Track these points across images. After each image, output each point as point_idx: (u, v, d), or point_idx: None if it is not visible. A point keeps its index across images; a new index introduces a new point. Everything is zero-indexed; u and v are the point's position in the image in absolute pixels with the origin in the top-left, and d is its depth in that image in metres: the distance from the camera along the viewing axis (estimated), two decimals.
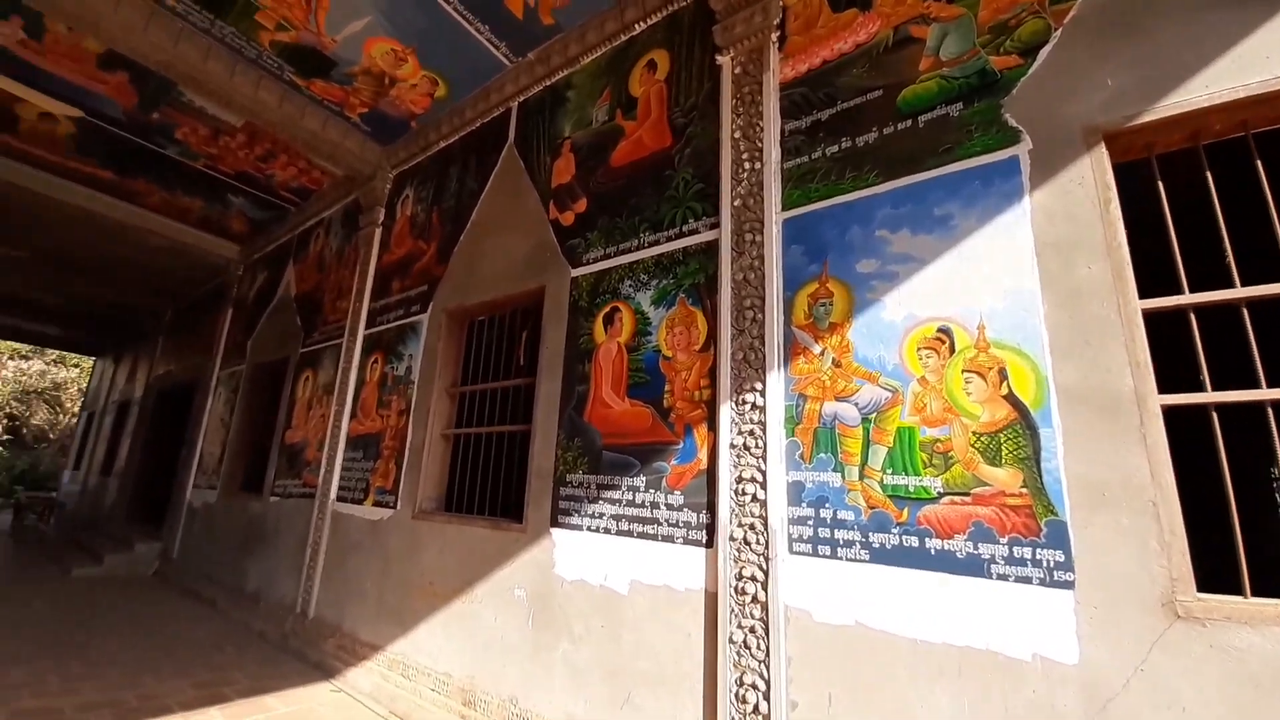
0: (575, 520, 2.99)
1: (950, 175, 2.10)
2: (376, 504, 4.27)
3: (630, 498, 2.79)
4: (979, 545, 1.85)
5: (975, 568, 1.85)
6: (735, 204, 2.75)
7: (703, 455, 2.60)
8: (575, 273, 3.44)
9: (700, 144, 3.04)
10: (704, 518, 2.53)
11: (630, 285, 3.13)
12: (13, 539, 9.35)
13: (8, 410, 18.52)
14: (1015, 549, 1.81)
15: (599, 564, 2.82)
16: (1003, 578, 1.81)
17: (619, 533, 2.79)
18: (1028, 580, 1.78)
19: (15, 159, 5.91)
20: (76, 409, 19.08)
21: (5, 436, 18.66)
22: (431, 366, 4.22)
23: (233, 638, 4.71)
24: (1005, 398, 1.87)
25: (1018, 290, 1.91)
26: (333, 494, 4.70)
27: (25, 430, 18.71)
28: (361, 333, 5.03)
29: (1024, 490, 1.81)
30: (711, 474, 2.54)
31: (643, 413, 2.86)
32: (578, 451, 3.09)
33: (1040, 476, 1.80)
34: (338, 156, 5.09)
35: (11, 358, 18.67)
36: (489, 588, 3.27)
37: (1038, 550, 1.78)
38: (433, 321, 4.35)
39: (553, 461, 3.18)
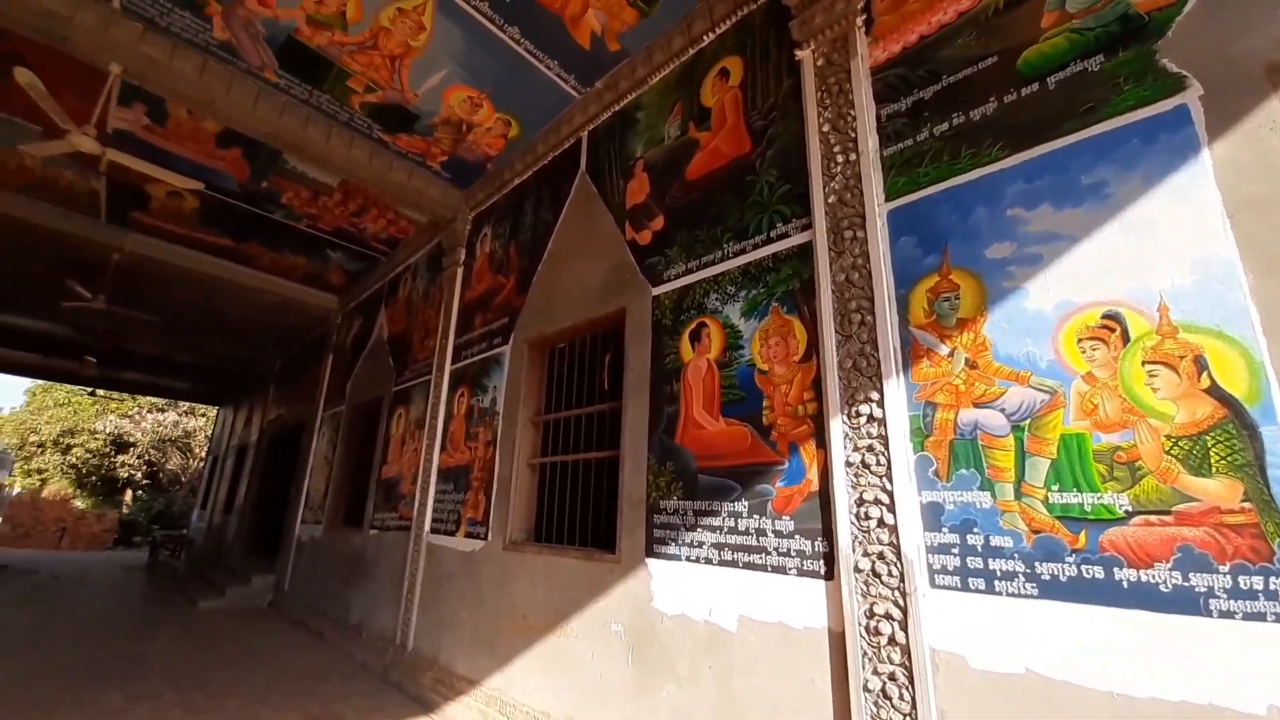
0: (672, 550, 2.80)
1: (1098, 137, 1.81)
2: (468, 535, 4.28)
3: (732, 524, 2.58)
4: (1190, 575, 1.50)
5: (1187, 603, 1.49)
6: (829, 200, 2.56)
7: (812, 475, 2.36)
8: (656, 291, 3.35)
9: (783, 144, 2.89)
10: (820, 545, 2.27)
11: (717, 298, 2.98)
12: (148, 574, 10.35)
13: (147, 458, 20.95)
14: (1241, 579, 1.44)
15: (701, 597, 2.61)
16: (1227, 615, 1.45)
17: (722, 563, 2.57)
18: (1261, 617, 1.41)
19: (149, 234, 6.73)
20: (204, 454, 21.28)
21: (145, 481, 21.06)
22: (515, 397, 4.24)
23: (338, 668, 4.84)
24: (1207, 391, 1.53)
25: (1208, 260, 1.58)
26: (427, 526, 4.79)
27: (161, 475, 21.03)
28: (448, 368, 5.18)
29: (1246, 505, 1.46)
30: (825, 496, 2.30)
31: (740, 432, 2.66)
32: (670, 476, 2.92)
33: (1268, 487, 1.44)
34: (422, 204, 5.38)
35: (150, 411, 21.20)
36: (585, 622, 3.13)
37: (1271, 579, 1.41)
38: (514, 352, 4.40)
39: (644, 488, 3.04)
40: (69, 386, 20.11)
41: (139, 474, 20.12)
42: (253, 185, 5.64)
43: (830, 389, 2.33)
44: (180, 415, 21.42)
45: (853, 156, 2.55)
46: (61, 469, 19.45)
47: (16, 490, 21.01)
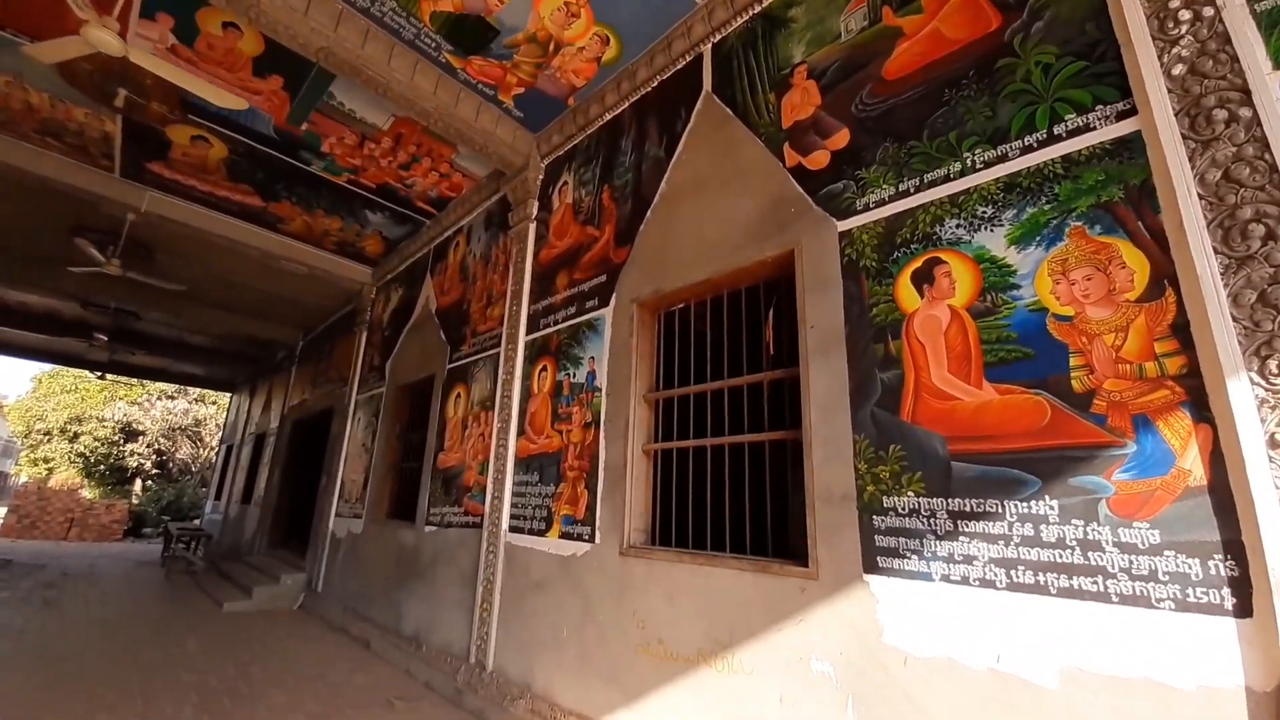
0: (913, 565, 2.05)
1: None
2: (565, 536, 3.54)
3: (1028, 532, 1.83)
4: None
5: None
6: (1174, 73, 1.78)
7: (1189, 463, 1.60)
8: (845, 225, 2.58)
9: (1065, 9, 2.10)
10: (1221, 566, 1.51)
11: (958, 225, 2.21)
12: (163, 569, 9.68)
13: (157, 446, 20.31)
14: None
15: (979, 635, 1.86)
16: None
17: (1014, 587, 1.82)
18: None
19: (168, 190, 5.97)
20: (215, 443, 20.63)
21: (154, 470, 20.44)
22: (623, 369, 3.49)
23: (398, 689, 4.12)
24: None
25: None
26: (504, 524, 4.05)
27: (171, 464, 20.40)
28: (522, 339, 4.42)
29: None
30: (1223, 493, 1.54)
31: (1030, 403, 1.90)
32: (898, 464, 2.17)
33: None
34: (489, 147, 4.60)
35: (159, 398, 20.54)
36: (764, 654, 2.39)
37: None
38: (618, 315, 3.64)
39: (851, 480, 2.28)
40: (77, 373, 19.47)
41: (149, 463, 19.49)
42: (291, 128, 4.87)
43: (1220, 335, 1.57)
44: (191, 403, 20.76)
45: (1208, 11, 1.77)
46: (69, 457, 18.83)
47: (22, 479, 20.44)
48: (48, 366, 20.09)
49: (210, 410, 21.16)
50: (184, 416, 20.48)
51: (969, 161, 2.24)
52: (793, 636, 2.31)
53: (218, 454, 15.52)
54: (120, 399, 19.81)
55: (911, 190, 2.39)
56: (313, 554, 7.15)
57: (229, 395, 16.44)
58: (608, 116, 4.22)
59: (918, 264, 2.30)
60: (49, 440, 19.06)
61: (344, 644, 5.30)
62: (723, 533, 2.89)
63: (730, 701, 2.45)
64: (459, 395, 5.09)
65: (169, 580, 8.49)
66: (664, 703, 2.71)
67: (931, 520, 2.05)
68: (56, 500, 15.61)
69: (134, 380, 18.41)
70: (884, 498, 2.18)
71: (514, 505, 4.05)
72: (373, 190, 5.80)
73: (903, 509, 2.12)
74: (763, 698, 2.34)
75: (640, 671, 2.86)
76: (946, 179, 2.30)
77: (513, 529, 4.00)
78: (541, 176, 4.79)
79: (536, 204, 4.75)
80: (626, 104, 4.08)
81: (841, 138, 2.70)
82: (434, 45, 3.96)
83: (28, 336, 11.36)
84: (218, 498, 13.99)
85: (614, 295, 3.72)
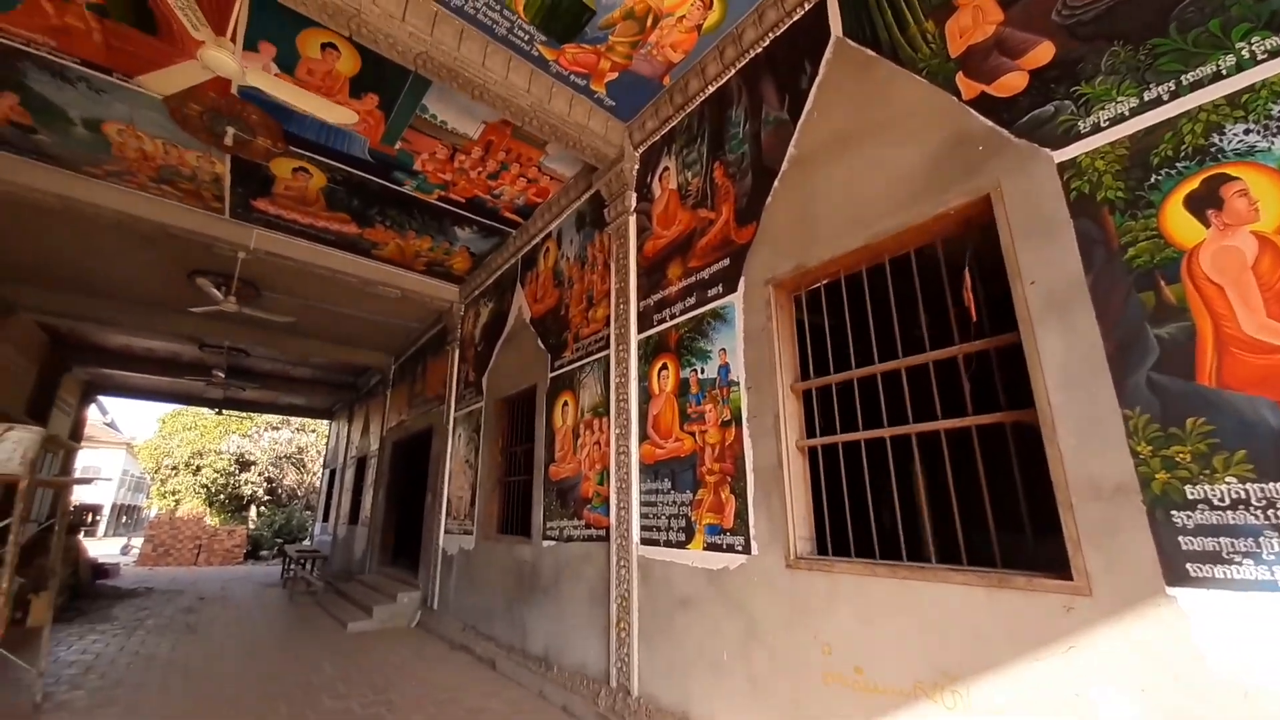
0: (1249, 572, 1.55)
1: None
2: (712, 548, 3.20)
3: None
4: None
5: None
6: None
7: None
8: (1064, 154, 2.10)
9: None
10: None
11: (1247, 131, 1.71)
12: (285, 589, 10.19)
13: (266, 474, 21.88)
14: None
15: None
16: None
17: None
18: None
19: (272, 226, 6.19)
20: (317, 469, 21.99)
21: (266, 497, 22.00)
22: (764, 358, 3.12)
23: (535, 714, 3.92)
24: None
25: None
26: (635, 536, 3.77)
27: (280, 490, 21.89)
28: (634, 338, 4.15)
29: None
30: None
31: None
32: (1205, 442, 1.67)
33: None
34: (583, 142, 4.38)
35: (266, 430, 22.15)
36: (1018, 689, 1.93)
37: None
38: (751, 300, 3.28)
39: (1129, 467, 1.79)
40: (195, 411, 21.34)
41: (261, 490, 21.01)
42: (385, 148, 4.87)
43: None
44: (294, 432, 22.25)
45: None
46: (193, 489, 20.60)
47: (154, 511, 22.56)
48: (170, 407, 22.13)
49: (310, 438, 22.60)
50: (288, 445, 21.96)
51: (1245, 53, 1.73)
52: (1060, 667, 1.85)
53: (321, 478, 16.41)
54: (233, 432, 21.51)
55: (1165, 97, 1.89)
56: (425, 571, 7.20)
57: (328, 423, 17.39)
58: (710, 89, 3.89)
59: (1192, 185, 1.79)
60: (175, 474, 20.95)
61: (469, 665, 5.19)
62: (919, 539, 2.45)
63: None
64: (566, 403, 4.89)
65: (293, 601, 8.88)
66: None
67: (1273, 512, 1.54)
68: (185, 529, 17.03)
69: (245, 414, 19.92)
70: (1186, 487, 1.68)
71: (644, 516, 3.76)
72: (462, 205, 5.77)
73: (1220, 500, 1.62)
74: None
75: (832, 704, 2.46)
76: (1217, 77, 1.79)
77: (645, 541, 3.70)
78: (637, 166, 4.53)
79: (635, 195, 4.48)
80: (732, 71, 3.74)
81: (1042, 53, 2.23)
82: (527, 38, 3.78)
83: (155, 380, 12.44)
84: (325, 519, 14.76)
85: (742, 279, 3.36)
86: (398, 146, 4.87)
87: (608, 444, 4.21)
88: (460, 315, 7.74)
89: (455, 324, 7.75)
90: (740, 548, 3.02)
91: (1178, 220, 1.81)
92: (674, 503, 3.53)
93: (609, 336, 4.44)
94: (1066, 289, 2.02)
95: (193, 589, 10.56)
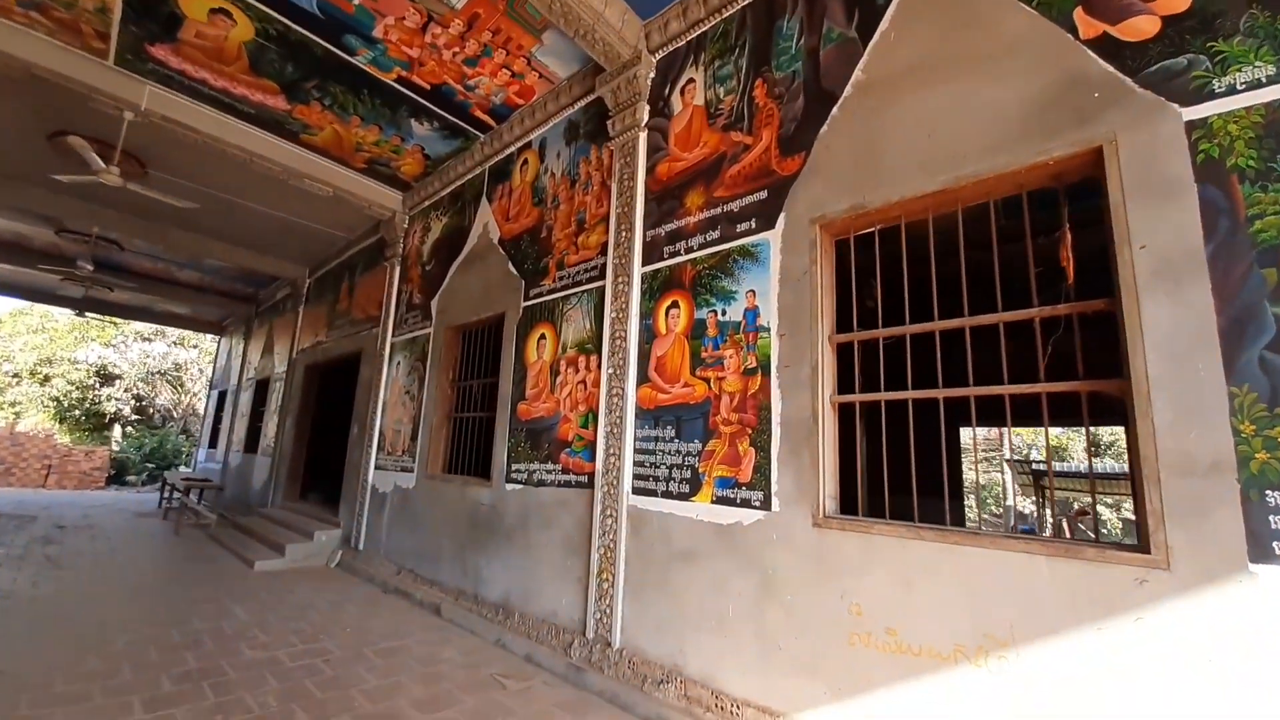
0: None
1: None
2: (722, 501, 3.00)
3: None
4: None
5: None
6: None
7: None
8: (1194, 112, 1.95)
9: None
10: None
11: None
12: (167, 521, 8.99)
13: (135, 391, 19.12)
14: None
15: None
16: None
17: None
18: None
19: (173, 85, 4.94)
20: (198, 389, 19.53)
21: (134, 417, 19.33)
22: (802, 304, 2.87)
23: (497, 664, 3.65)
24: None
25: None
26: (625, 484, 3.49)
27: (152, 410, 19.30)
28: (638, 270, 3.74)
29: None
30: None
31: None
32: None
33: None
34: (596, 32, 3.74)
35: (136, 340, 19.18)
36: (1074, 659, 1.91)
37: None
38: (791, 239, 2.98)
39: (1229, 445, 1.75)
40: (43, 311, 17.94)
41: (128, 409, 18.36)
42: (341, 1, 3.91)
43: None
44: (170, 346, 19.46)
45: None
46: (40, 402, 17.58)
47: None
48: (13, 304, 18.49)
49: (191, 354, 19.90)
50: (163, 360, 19.22)
51: None
52: (1123, 637, 1.83)
53: (208, 400, 14.56)
54: (94, 340, 18.42)
55: None
56: (349, 509, 6.56)
57: (217, 338, 15.31)
58: None
59: None
60: (18, 383, 17.72)
61: (410, 610, 4.79)
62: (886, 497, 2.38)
63: (1016, 709, 1.99)
64: (543, 337, 4.41)
65: (179, 535, 7.83)
66: (898, 701, 2.25)
67: None
68: (31, 446, 14.58)
69: (111, 319, 17.04)
70: None
71: (638, 465, 3.48)
72: (425, 93, 4.88)
73: None
74: (1075, 709, 1.88)
75: (855, 664, 2.39)
76: None
77: (639, 491, 3.45)
78: (653, 74, 3.98)
79: (647, 108, 3.95)
80: None
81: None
82: None
83: None
84: (211, 445, 13.19)
85: (782, 215, 3.04)
86: (357, 1, 3.93)
87: (596, 384, 3.85)
88: (404, 227, 6.81)
89: (396, 237, 6.81)
90: (758, 503, 2.84)
91: None
92: (677, 452, 3.28)
93: (604, 266, 3.99)
94: (1181, 257, 1.90)
95: (46, 515, 9.04)
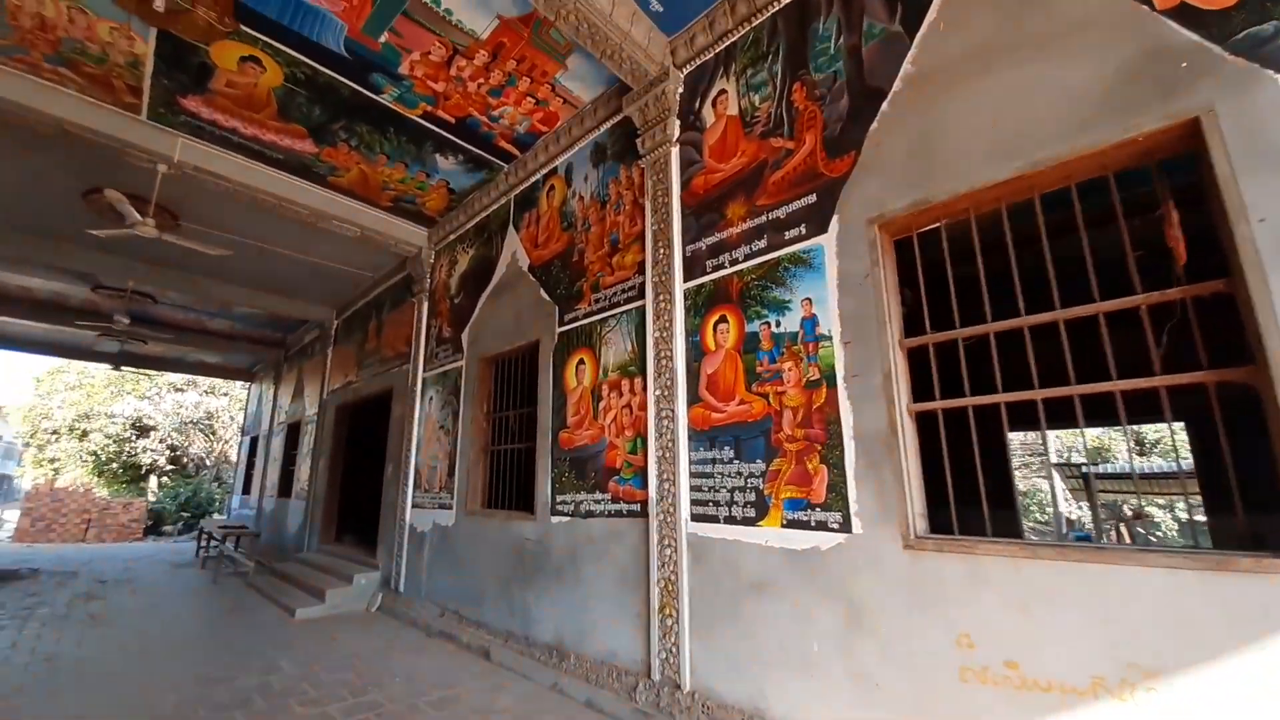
0: None
1: None
2: (794, 525, 2.80)
3: None
4: None
5: None
6: None
7: None
8: None
9: None
10: None
11: None
12: (203, 570, 8.95)
13: (169, 441, 19.44)
14: None
15: None
16: None
17: None
18: None
19: (204, 135, 5.03)
20: (230, 436, 19.80)
21: (169, 467, 19.61)
22: (866, 308, 2.70)
23: (557, 711, 3.43)
24: None
25: None
26: (682, 511, 3.30)
27: (185, 459, 19.58)
28: (679, 287, 3.62)
29: None
30: None
31: None
32: None
33: None
34: (622, 51, 3.70)
35: (169, 391, 19.59)
36: (1231, 680, 1.66)
37: None
38: (848, 242, 2.83)
39: None
40: (80, 368, 18.46)
41: (162, 459, 18.64)
42: (368, 39, 3.95)
43: None
44: (201, 395, 19.83)
45: None
46: (79, 456, 17.94)
47: (27, 482, 19.57)
48: (50, 361, 19.07)
49: (221, 402, 20.24)
50: (195, 410, 19.56)
51: None
52: None
53: (240, 446, 14.70)
54: (129, 393, 18.85)
55: None
56: (387, 550, 6.42)
57: (247, 385, 15.54)
58: None
59: None
60: (57, 439, 18.14)
61: (457, 654, 4.59)
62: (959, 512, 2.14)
63: None
64: (581, 362, 4.29)
65: (217, 584, 7.76)
66: None
67: None
68: (71, 501, 14.80)
69: (142, 373, 17.45)
70: None
71: (695, 489, 3.29)
72: (450, 127, 4.89)
73: None
74: None
75: (971, 702, 2.14)
76: None
77: (698, 517, 3.25)
78: (681, 89, 3.91)
79: (678, 122, 3.88)
80: None
81: None
82: None
83: (30, 327, 10.40)
84: (245, 491, 13.25)
85: (835, 217, 2.90)
86: (383, 39, 3.96)
87: (643, 407, 3.69)
88: (430, 263, 6.82)
89: (423, 272, 6.82)
90: (836, 525, 2.64)
91: None
92: (738, 474, 3.09)
93: (643, 285, 3.88)
94: None
95: (88, 570, 9.06)
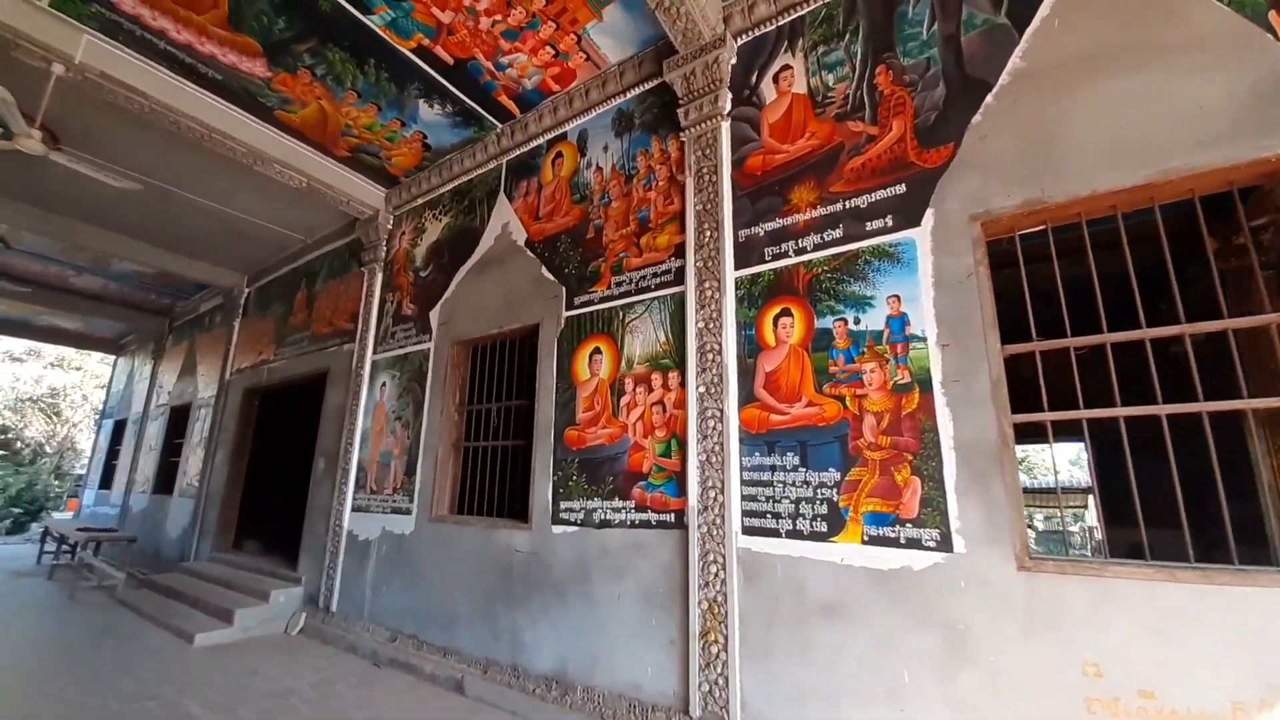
0: None
1: None
2: (876, 541, 2.54)
3: None
4: None
5: None
6: None
7: None
8: None
9: None
10: None
11: None
12: (53, 580, 7.23)
13: (0, 421, 15.96)
14: None
15: None
16: None
17: None
18: None
19: (125, 40, 3.97)
20: (80, 418, 16.65)
21: (0, 451, 16.11)
22: (967, 310, 2.52)
23: None
24: None
25: None
26: (732, 523, 2.94)
27: (21, 444, 16.19)
28: (729, 274, 3.27)
29: None
30: None
31: None
32: None
33: None
34: (681, 5, 3.29)
35: (5, 361, 16.11)
36: None
37: None
38: (944, 239, 2.64)
39: None
40: None
41: None
42: None
43: None
44: (46, 367, 16.49)
45: None
46: None
47: None
48: None
49: (73, 377, 16.96)
50: (36, 385, 16.22)
51: None
52: None
53: (97, 431, 12.32)
54: None
55: None
56: (314, 560, 5.47)
57: (110, 359, 13.10)
58: None
59: None
60: None
61: (419, 688, 3.89)
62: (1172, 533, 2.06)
63: None
64: (597, 350, 3.81)
65: (76, 600, 6.25)
66: None
67: None
68: None
69: None
70: None
71: (748, 498, 2.95)
72: (446, 69, 4.21)
73: None
74: None
75: None
76: None
77: (750, 530, 2.91)
78: (734, 60, 3.58)
79: (730, 95, 3.55)
80: None
81: None
82: None
83: None
84: (105, 487, 11.07)
85: (929, 210, 2.70)
86: None
87: (680, 405, 3.30)
88: (387, 228, 5.95)
89: (377, 239, 5.93)
90: (933, 543, 2.41)
91: None
92: (805, 484, 2.79)
93: (681, 269, 3.49)
94: None
95: None
